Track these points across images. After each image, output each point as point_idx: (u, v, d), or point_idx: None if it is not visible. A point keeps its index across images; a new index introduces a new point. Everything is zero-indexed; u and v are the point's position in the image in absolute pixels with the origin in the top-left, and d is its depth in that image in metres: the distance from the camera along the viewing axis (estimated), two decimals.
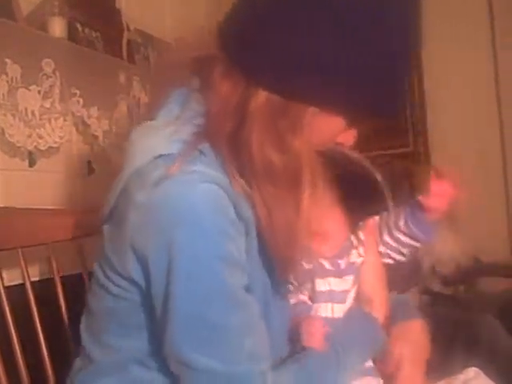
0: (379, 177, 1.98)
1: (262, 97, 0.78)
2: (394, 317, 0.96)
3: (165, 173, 0.76)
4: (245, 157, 0.79)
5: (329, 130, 0.84)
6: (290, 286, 0.91)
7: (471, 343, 1.98)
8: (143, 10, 2.39)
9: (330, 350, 0.87)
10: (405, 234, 0.94)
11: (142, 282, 0.80)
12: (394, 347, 0.93)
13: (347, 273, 0.90)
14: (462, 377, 0.98)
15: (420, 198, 0.91)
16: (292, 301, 0.90)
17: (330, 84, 0.77)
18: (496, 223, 2.94)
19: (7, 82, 1.59)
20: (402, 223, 0.93)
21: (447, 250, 2.29)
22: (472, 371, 0.99)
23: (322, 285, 0.89)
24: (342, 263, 0.90)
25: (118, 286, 0.84)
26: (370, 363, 0.93)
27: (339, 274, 0.89)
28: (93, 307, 0.90)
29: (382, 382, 0.93)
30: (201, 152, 0.79)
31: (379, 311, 0.94)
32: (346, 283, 0.90)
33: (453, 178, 0.94)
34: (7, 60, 1.60)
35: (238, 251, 0.78)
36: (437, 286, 2.46)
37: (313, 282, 0.89)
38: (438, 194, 0.92)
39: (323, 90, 0.78)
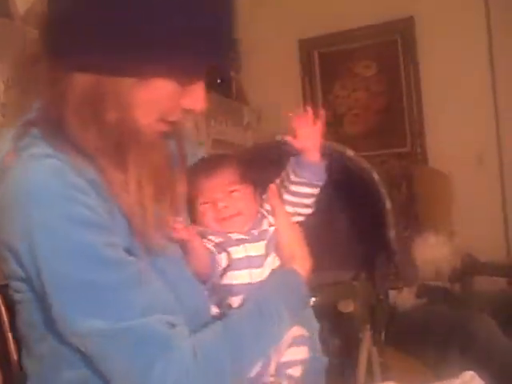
0: (376, 176, 2.00)
1: (77, 79, 0.79)
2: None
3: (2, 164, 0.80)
4: (73, 140, 0.80)
5: (160, 97, 0.82)
6: None
7: (467, 341, 1.99)
8: None
9: (251, 304, 0.88)
10: (299, 184, 0.97)
11: (24, 274, 0.81)
12: None
13: (261, 238, 0.94)
14: (457, 381, 0.98)
15: (291, 140, 0.95)
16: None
17: (138, 49, 0.77)
18: (492, 223, 2.96)
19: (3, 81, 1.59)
20: (292, 176, 0.96)
21: (442, 252, 2.30)
22: (468, 375, 0.99)
23: (238, 252, 0.92)
24: (255, 232, 0.94)
25: (17, 291, 0.85)
26: (299, 332, 0.94)
27: (253, 240, 0.93)
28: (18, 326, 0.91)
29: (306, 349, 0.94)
30: (34, 137, 0.81)
31: (302, 265, 0.96)
32: (260, 248, 0.93)
33: (311, 116, 0.96)
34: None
35: (92, 211, 0.78)
36: (433, 285, 2.46)
37: (227, 252, 0.92)
38: (304, 133, 0.95)
39: (133, 58, 0.78)
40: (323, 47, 3.33)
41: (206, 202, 0.93)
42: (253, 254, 0.92)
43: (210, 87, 2.78)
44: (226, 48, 0.85)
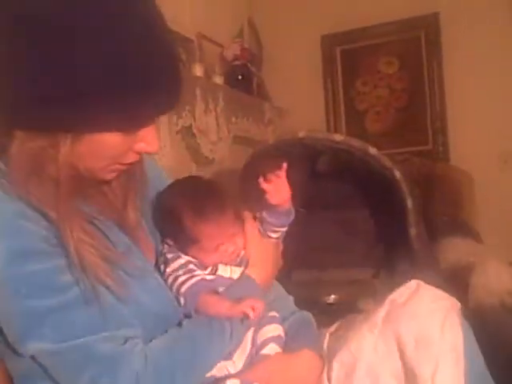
0: (398, 174, 1.99)
1: (19, 138, 0.81)
2: (290, 337, 1.00)
3: None
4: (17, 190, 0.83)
5: (102, 149, 0.83)
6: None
7: None
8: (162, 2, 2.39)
9: (212, 319, 0.91)
10: (268, 223, 1.01)
11: None
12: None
13: (242, 264, 0.99)
14: (404, 292, 0.99)
15: (264, 198, 0.97)
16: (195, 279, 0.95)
17: (71, 105, 0.77)
18: None
19: None
20: (264, 215, 1.00)
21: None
22: (413, 283, 1.00)
23: (224, 271, 0.97)
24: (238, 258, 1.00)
25: None
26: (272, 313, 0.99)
27: (237, 264, 0.98)
28: None
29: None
30: None
31: (259, 273, 0.98)
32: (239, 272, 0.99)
33: (278, 176, 0.97)
34: None
35: (35, 238, 0.81)
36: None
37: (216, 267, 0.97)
38: (272, 192, 0.96)
39: (66, 114, 0.78)
40: (345, 43, 3.30)
41: (212, 247, 0.95)
42: (234, 276, 0.97)
43: (232, 83, 2.80)
44: (166, 97, 0.84)
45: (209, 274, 0.95)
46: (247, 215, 1.02)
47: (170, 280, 0.94)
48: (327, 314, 1.20)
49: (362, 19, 3.15)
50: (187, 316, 0.93)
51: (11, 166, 0.83)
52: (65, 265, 0.82)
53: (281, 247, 1.06)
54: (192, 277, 0.94)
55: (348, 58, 3.32)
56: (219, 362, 0.90)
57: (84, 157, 0.82)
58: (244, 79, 2.89)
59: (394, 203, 2.05)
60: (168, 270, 0.95)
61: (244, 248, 0.99)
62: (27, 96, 0.77)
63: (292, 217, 1.01)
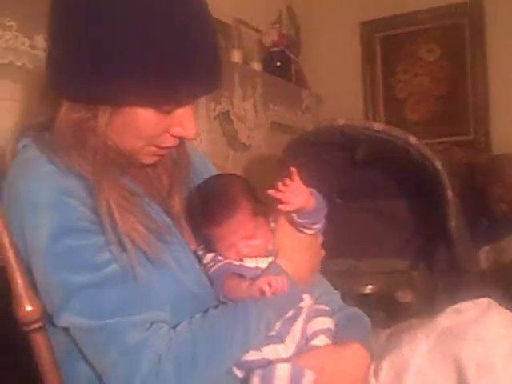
0: (439, 165, 1.94)
1: (62, 106, 0.86)
2: (340, 330, 0.98)
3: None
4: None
5: (138, 125, 0.85)
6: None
7: None
8: None
9: (237, 303, 0.90)
10: (298, 223, 0.98)
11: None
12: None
13: (270, 254, 0.97)
14: (472, 307, 0.94)
15: (283, 208, 0.93)
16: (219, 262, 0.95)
17: (109, 78, 0.80)
18: None
19: None
20: (293, 217, 0.96)
21: None
22: (485, 302, 0.95)
23: (249, 262, 0.96)
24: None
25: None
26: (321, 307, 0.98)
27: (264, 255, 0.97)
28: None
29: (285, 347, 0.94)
30: (32, 140, 0.91)
31: (287, 264, 0.95)
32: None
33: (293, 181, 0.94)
34: None
35: (77, 216, 0.84)
36: None
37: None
38: (288, 199, 0.92)
39: (105, 87, 0.81)
40: (385, 30, 3.24)
41: (226, 247, 0.95)
42: (261, 266, 0.95)
43: (270, 70, 2.78)
44: (204, 80, 0.85)
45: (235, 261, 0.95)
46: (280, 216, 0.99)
47: (205, 273, 0.95)
48: (363, 305, 1.18)
49: (403, 5, 3.09)
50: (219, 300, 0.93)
51: (57, 136, 0.87)
52: (104, 242, 0.84)
53: (320, 239, 1.03)
54: (219, 261, 0.95)
55: (388, 44, 3.26)
56: (245, 348, 0.89)
57: (121, 131, 0.86)
58: (282, 65, 2.87)
59: (433, 194, 2.00)
60: (202, 266, 0.96)
61: (272, 241, 0.97)
62: (72, 70, 0.82)
63: (324, 213, 0.98)
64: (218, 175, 1.06)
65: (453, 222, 1.98)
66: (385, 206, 2.23)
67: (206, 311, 0.89)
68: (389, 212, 2.22)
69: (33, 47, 1.41)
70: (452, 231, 1.99)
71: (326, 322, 0.96)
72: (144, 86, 0.81)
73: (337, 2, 3.22)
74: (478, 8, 3.00)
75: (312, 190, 0.96)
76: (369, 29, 3.26)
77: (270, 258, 0.95)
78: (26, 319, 0.88)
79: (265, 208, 0.98)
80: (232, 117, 2.36)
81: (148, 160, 0.92)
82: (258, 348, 0.90)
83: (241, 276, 0.93)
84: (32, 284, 0.88)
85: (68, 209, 0.83)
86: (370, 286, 1.97)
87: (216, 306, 0.90)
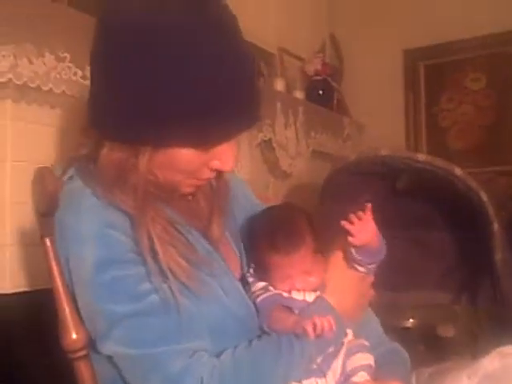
0: (484, 196, 1.91)
1: (107, 147, 0.89)
2: (380, 366, 0.98)
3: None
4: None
5: (179, 162, 0.88)
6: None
7: None
8: (246, 17, 2.42)
9: (284, 335, 0.90)
10: (354, 259, 0.98)
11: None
12: None
13: (318, 289, 0.98)
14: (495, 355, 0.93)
15: (351, 240, 0.94)
16: (268, 293, 0.96)
17: (152, 120, 0.83)
18: None
19: None
20: (352, 252, 0.97)
21: None
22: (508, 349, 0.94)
23: (297, 294, 0.96)
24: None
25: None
26: (360, 341, 0.97)
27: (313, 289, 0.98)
28: None
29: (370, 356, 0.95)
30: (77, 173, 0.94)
31: (333, 298, 0.96)
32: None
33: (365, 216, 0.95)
34: None
35: (120, 247, 0.86)
36: None
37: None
38: (356, 233, 0.93)
39: (148, 129, 0.83)
40: (429, 58, 3.22)
41: (282, 278, 0.95)
42: (308, 299, 0.96)
43: (312, 98, 2.79)
44: (244, 118, 0.87)
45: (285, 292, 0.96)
46: (335, 245, 1.00)
47: (251, 299, 0.96)
48: (404, 339, 1.16)
49: (448, 33, 3.06)
50: (262, 329, 0.94)
51: (100, 173, 0.90)
52: (146, 272, 0.86)
53: (371, 279, 1.02)
54: (269, 291, 0.95)
55: (432, 73, 3.23)
56: (286, 382, 0.88)
57: (161, 168, 0.89)
58: (324, 94, 2.88)
59: (478, 226, 1.97)
60: (249, 292, 0.97)
61: (322, 276, 0.97)
62: (113, 111, 0.85)
63: (382, 255, 0.97)
64: (285, 204, 1.08)
65: (498, 256, 1.93)
66: (427, 237, 2.20)
67: (250, 342, 0.90)
68: (431, 243, 2.19)
69: (84, 78, 1.46)
70: (497, 265, 1.94)
71: (367, 358, 0.95)
72: (185, 129, 0.83)
73: (380, 30, 3.23)
74: None
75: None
76: (412, 57, 3.24)
77: (317, 292, 0.96)
78: (72, 347, 0.90)
79: (323, 245, 0.99)
80: (274, 145, 2.37)
81: (187, 190, 0.95)
82: (299, 380, 0.90)
83: (288, 308, 0.94)
84: (77, 311, 0.91)
85: (112, 241, 0.86)
86: (411, 320, 1.93)
87: (260, 337, 0.91)
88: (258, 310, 0.95)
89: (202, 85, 0.81)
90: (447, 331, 1.90)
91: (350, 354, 0.94)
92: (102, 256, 0.85)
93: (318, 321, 0.87)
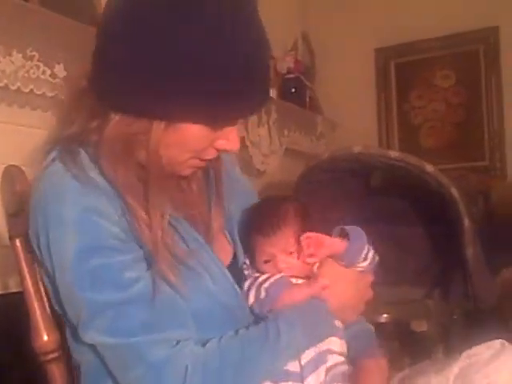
0: (456, 192, 1.93)
1: (113, 118, 0.85)
2: (357, 349, 0.99)
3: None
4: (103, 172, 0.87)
5: (190, 140, 0.86)
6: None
7: None
8: None
9: (272, 324, 0.89)
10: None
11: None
12: None
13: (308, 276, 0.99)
14: (486, 351, 0.91)
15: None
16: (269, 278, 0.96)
17: (168, 95, 0.81)
18: None
19: None
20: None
21: None
22: (497, 343, 0.91)
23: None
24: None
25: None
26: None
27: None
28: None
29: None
30: (64, 153, 0.89)
31: (330, 297, 0.95)
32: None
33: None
34: None
35: (105, 234, 0.84)
36: None
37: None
38: (314, 252, 0.95)
39: (163, 103, 0.82)
40: (400, 57, 3.26)
41: (267, 261, 0.97)
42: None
43: (285, 96, 2.79)
44: (257, 99, 0.87)
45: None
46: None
47: (249, 281, 0.96)
48: (378, 334, 1.16)
49: (418, 32, 3.10)
50: (257, 315, 0.94)
51: (103, 148, 0.86)
52: (131, 260, 0.84)
53: (370, 278, 1.01)
54: (273, 275, 0.95)
55: (403, 71, 3.27)
56: (271, 372, 0.88)
57: (170, 146, 0.86)
58: (297, 92, 2.89)
59: (449, 221, 1.99)
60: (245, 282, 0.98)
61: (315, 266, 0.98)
62: (128, 82, 0.82)
63: (360, 251, 0.97)
64: (282, 196, 1.09)
65: (470, 251, 1.96)
66: (400, 234, 2.22)
67: (236, 331, 0.89)
68: (404, 239, 2.21)
69: (53, 76, 1.44)
70: (468, 259, 1.97)
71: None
72: (201, 105, 0.82)
73: (352, 29, 3.25)
74: (493, 34, 3.02)
75: (350, 229, 0.97)
76: (384, 55, 3.28)
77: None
78: (43, 349, 0.89)
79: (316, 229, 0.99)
80: (247, 143, 2.37)
81: (188, 172, 0.93)
82: (276, 381, 0.89)
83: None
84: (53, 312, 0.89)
85: (94, 227, 0.83)
86: (384, 315, 1.95)
87: (247, 327, 0.90)
88: (261, 292, 0.94)
89: (227, 63, 0.80)
90: (420, 326, 1.92)
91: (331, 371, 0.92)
92: (84, 243, 0.83)
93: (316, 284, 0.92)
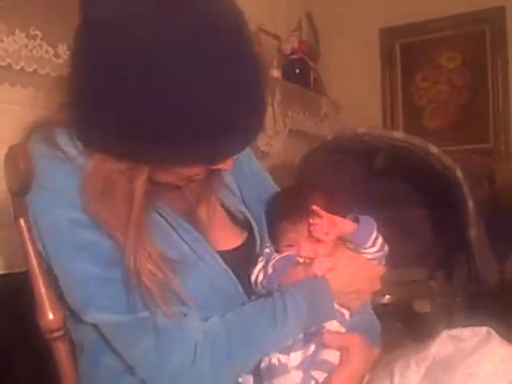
0: (459, 174, 1.93)
1: (97, 158, 0.82)
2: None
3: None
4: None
5: (179, 174, 0.85)
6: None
7: None
8: None
9: (273, 298, 0.90)
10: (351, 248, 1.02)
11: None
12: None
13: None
14: (471, 338, 0.89)
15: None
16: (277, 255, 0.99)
17: (157, 144, 0.77)
18: None
19: None
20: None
21: None
22: (483, 330, 0.88)
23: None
24: None
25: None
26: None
27: None
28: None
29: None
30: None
31: (334, 280, 0.95)
32: None
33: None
34: None
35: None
36: None
37: None
38: (327, 231, 0.96)
39: (150, 151, 0.78)
40: (405, 37, 3.22)
41: (290, 245, 0.99)
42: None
43: (289, 77, 2.77)
44: (255, 130, 0.83)
45: None
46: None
47: (263, 261, 0.98)
48: (381, 315, 1.17)
49: (424, 12, 3.07)
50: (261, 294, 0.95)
51: (84, 183, 0.82)
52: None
53: (381, 270, 1.03)
54: (283, 252, 0.99)
55: (407, 52, 3.24)
56: (278, 345, 0.90)
57: (160, 174, 0.84)
58: (301, 73, 2.87)
59: (453, 203, 1.99)
60: (261, 258, 1.00)
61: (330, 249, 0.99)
62: (119, 125, 0.76)
63: (366, 235, 0.98)
64: (309, 183, 1.11)
65: (473, 233, 1.96)
66: (403, 215, 2.22)
67: (243, 304, 0.91)
68: (407, 221, 2.21)
69: (57, 56, 1.43)
70: (472, 241, 1.97)
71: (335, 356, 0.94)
72: (192, 149, 0.78)
73: (356, 8, 3.21)
74: (500, 15, 2.98)
75: (362, 216, 0.98)
76: (388, 36, 3.25)
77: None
78: (49, 327, 0.89)
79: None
80: None
81: (182, 184, 0.91)
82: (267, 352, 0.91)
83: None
84: (55, 290, 0.89)
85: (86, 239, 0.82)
86: (387, 296, 1.95)
87: (253, 302, 0.92)
88: (268, 269, 0.96)
89: (213, 105, 0.75)
90: (423, 307, 1.92)
91: (312, 365, 0.92)
92: (76, 219, 0.81)
93: (322, 261, 0.94)
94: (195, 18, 0.74)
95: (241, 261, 0.97)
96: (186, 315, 0.84)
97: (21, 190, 0.86)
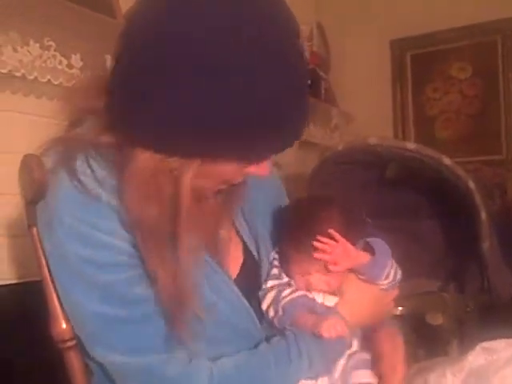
0: (472, 185, 1.91)
1: (140, 155, 0.79)
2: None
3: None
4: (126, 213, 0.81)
5: (222, 173, 0.83)
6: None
7: None
8: None
9: (285, 340, 0.89)
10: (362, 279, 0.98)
11: None
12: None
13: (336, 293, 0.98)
14: (505, 349, 0.90)
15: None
16: (295, 293, 0.95)
17: (209, 136, 0.76)
18: None
19: None
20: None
21: None
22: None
23: (317, 297, 0.95)
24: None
25: None
26: (364, 356, 0.95)
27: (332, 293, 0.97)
28: None
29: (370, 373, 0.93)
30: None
31: (347, 312, 0.94)
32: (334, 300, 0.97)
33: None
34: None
35: (110, 251, 0.81)
36: None
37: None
38: (338, 260, 0.92)
39: (202, 143, 0.77)
40: (416, 48, 3.23)
41: (300, 273, 0.95)
42: (327, 304, 0.95)
43: None
44: (291, 139, 0.83)
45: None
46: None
47: (274, 292, 0.95)
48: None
49: (434, 23, 3.07)
50: (275, 329, 0.93)
51: (127, 184, 0.80)
52: (139, 276, 0.82)
53: (394, 293, 1.01)
54: (295, 291, 0.95)
55: (418, 63, 3.24)
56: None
57: (201, 178, 0.82)
58: (312, 84, 2.87)
59: (465, 214, 1.98)
60: (270, 282, 0.96)
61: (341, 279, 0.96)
62: (170, 125, 0.76)
63: (384, 268, 0.94)
64: (317, 197, 1.07)
65: (486, 244, 1.94)
66: (415, 226, 2.20)
67: (255, 346, 0.89)
68: (420, 232, 2.19)
69: (70, 67, 1.44)
70: (485, 253, 1.95)
71: (369, 376, 0.93)
72: (236, 144, 0.78)
73: (367, 19, 3.22)
74: (511, 25, 2.97)
75: (375, 242, 0.95)
76: (399, 47, 3.25)
77: (336, 299, 0.95)
78: (61, 337, 0.89)
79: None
80: None
81: (211, 195, 0.90)
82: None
83: (311, 311, 0.93)
84: None
85: (98, 243, 0.81)
86: (400, 308, 1.94)
87: (265, 341, 0.90)
88: (279, 310, 0.94)
89: (268, 105, 0.76)
90: (436, 319, 1.91)
91: (353, 368, 0.92)
92: (89, 257, 0.80)
93: (332, 325, 0.88)
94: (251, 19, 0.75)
95: (249, 285, 0.96)
96: (191, 360, 0.83)
97: (34, 197, 0.86)
